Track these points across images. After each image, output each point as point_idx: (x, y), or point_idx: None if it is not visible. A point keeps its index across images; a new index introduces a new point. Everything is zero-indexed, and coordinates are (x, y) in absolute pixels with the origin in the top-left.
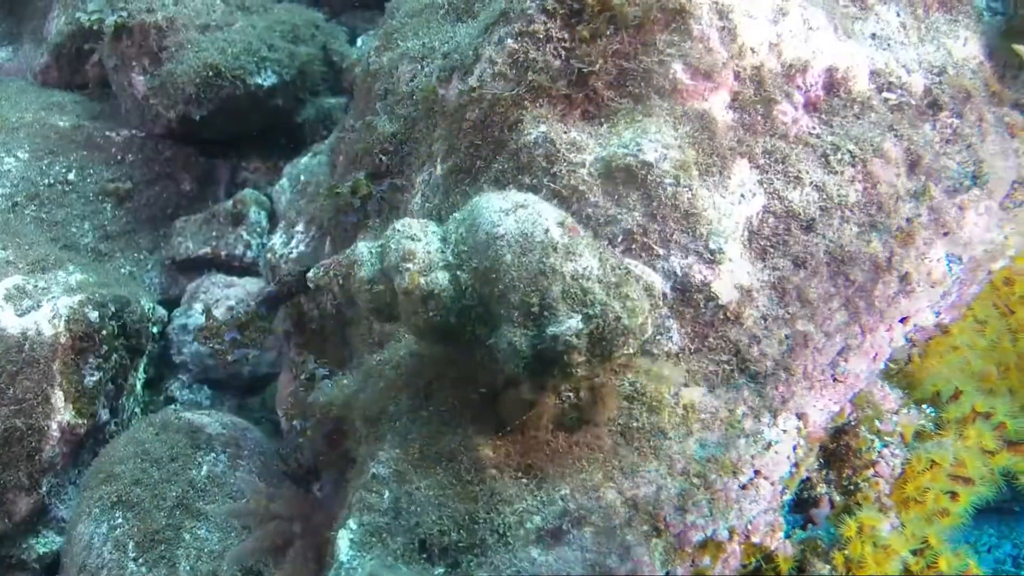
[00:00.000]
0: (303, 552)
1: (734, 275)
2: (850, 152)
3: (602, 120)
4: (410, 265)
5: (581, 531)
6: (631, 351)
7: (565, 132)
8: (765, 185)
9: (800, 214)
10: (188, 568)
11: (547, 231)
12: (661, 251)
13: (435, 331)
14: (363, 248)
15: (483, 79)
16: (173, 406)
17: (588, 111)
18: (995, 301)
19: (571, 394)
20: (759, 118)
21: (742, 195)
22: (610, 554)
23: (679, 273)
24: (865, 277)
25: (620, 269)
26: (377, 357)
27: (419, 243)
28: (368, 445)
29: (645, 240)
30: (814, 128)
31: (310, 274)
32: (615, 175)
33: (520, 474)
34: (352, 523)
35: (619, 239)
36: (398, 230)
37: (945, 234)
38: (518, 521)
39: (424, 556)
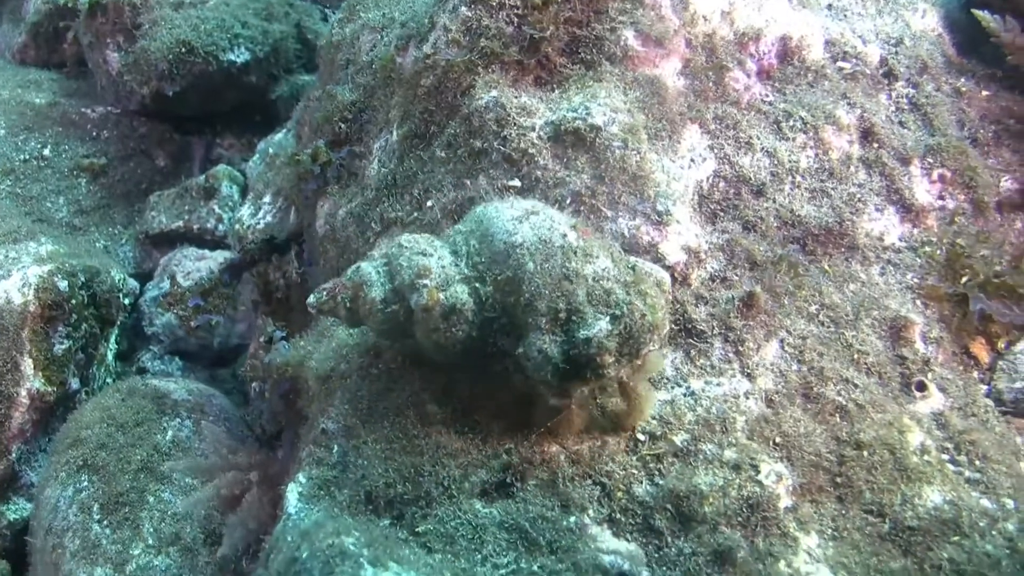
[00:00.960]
0: (259, 498)
1: (682, 237)
2: (802, 119)
3: (554, 86)
4: (427, 281)
5: (525, 484)
6: (656, 347)
7: (516, 97)
8: (716, 150)
9: (751, 179)
10: (152, 530)
11: (564, 235)
12: (609, 213)
13: (457, 346)
14: (368, 268)
15: (437, 46)
16: (143, 376)
17: (541, 77)
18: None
19: (603, 398)
20: (711, 85)
21: (692, 159)
22: (552, 507)
23: (627, 235)
24: (815, 242)
25: (632, 267)
26: (331, 318)
27: (432, 258)
28: (319, 402)
29: (593, 202)
30: (767, 95)
31: (311, 299)
32: (564, 138)
33: (466, 429)
34: (301, 477)
35: (568, 201)
36: (405, 246)
37: (897, 201)
38: (463, 475)
39: (370, 508)
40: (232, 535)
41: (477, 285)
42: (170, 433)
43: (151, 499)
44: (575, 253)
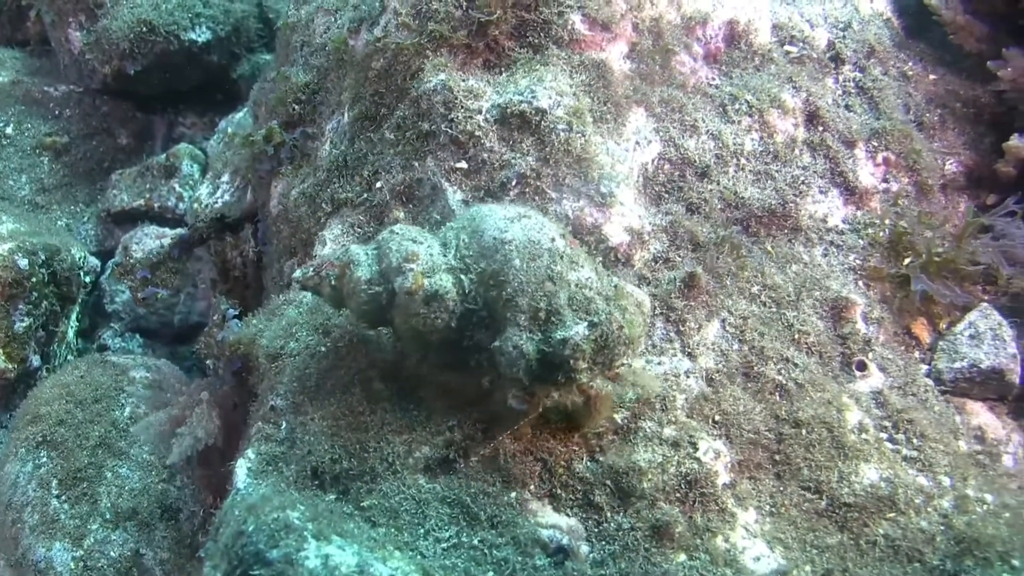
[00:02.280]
0: (208, 412)
1: (625, 218)
2: (748, 102)
3: (502, 69)
4: (414, 266)
5: (467, 461)
6: (629, 361)
7: (463, 80)
8: (661, 133)
9: (696, 161)
10: (109, 505)
11: (553, 240)
12: (554, 195)
13: (435, 335)
14: (357, 249)
15: (387, 29)
16: (103, 353)
17: (489, 60)
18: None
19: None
20: (657, 68)
21: (637, 142)
22: (494, 483)
23: (571, 216)
24: (758, 223)
25: (615, 284)
26: (282, 297)
27: (421, 246)
28: (269, 380)
29: (538, 184)
30: (713, 79)
31: (297, 274)
32: (510, 121)
33: (411, 406)
34: (250, 452)
35: (513, 183)
36: (396, 233)
37: (841, 183)
38: (407, 451)
39: (316, 483)
40: (181, 444)
41: (462, 276)
42: (128, 409)
43: (109, 475)
44: (561, 258)
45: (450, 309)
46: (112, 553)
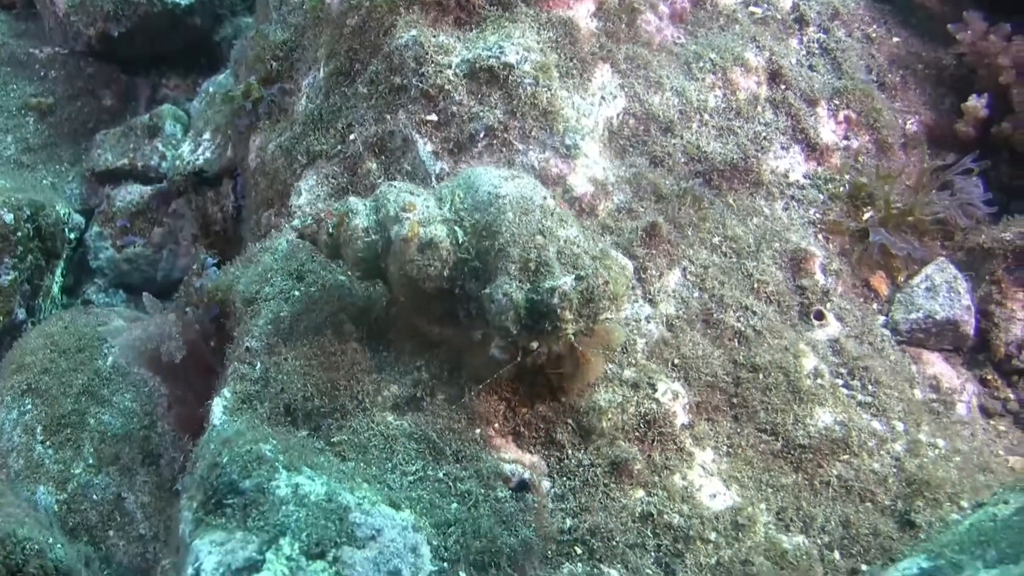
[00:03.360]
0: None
1: (589, 170)
2: (711, 61)
3: (472, 26)
4: (411, 215)
5: (434, 399)
6: (612, 317)
7: (434, 36)
8: (626, 89)
9: (659, 116)
10: (92, 450)
11: (544, 198)
12: (520, 146)
13: (428, 283)
14: (356, 201)
15: None
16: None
17: (460, 18)
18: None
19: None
20: (623, 26)
21: (603, 97)
22: (459, 420)
23: (536, 167)
24: (720, 177)
25: (600, 247)
26: (259, 245)
27: (418, 198)
28: (245, 323)
29: (506, 136)
30: (679, 38)
31: (295, 223)
32: (479, 76)
33: (380, 347)
34: (226, 391)
35: (481, 135)
36: (394, 186)
37: (803, 140)
38: (376, 389)
39: (289, 420)
40: (147, 328)
41: (456, 228)
42: (110, 359)
43: (92, 421)
44: (552, 215)
45: (443, 258)
46: (95, 497)
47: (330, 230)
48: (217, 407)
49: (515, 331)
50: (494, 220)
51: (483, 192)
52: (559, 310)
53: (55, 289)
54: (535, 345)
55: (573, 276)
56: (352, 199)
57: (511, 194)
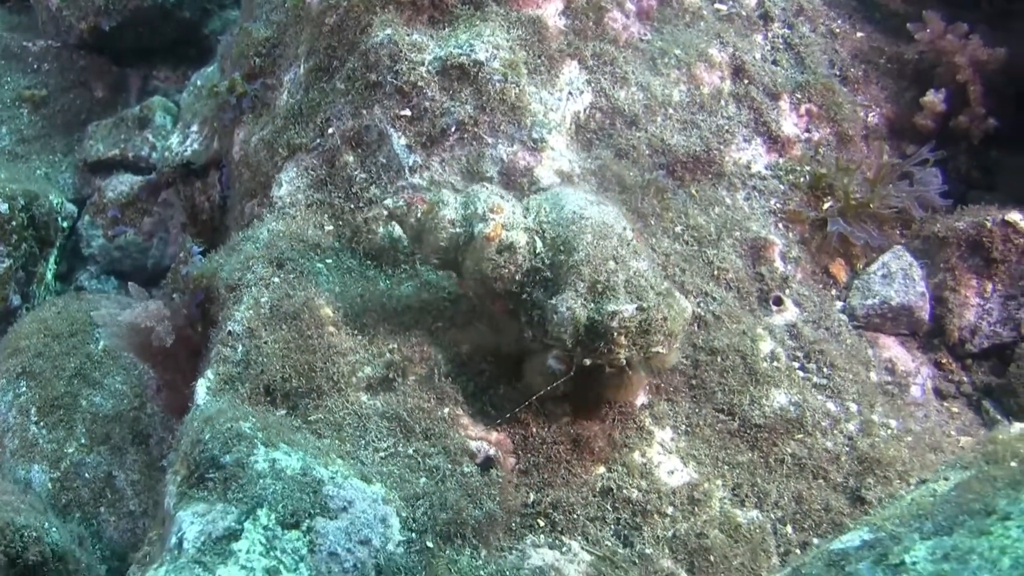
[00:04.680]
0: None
1: (556, 162)
2: (676, 56)
3: (445, 24)
4: (497, 217)
5: (405, 380)
6: (664, 352)
7: (408, 34)
8: (593, 84)
9: (625, 110)
10: (84, 431)
11: (624, 228)
12: (490, 140)
13: (499, 284)
14: (448, 194)
15: None
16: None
17: (434, 17)
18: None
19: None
20: (591, 24)
21: (570, 92)
22: (429, 399)
23: (505, 159)
24: (683, 168)
25: (665, 284)
26: (241, 234)
27: (507, 203)
28: (228, 308)
29: (476, 130)
30: (645, 34)
31: (388, 202)
32: (450, 72)
33: (355, 331)
34: (209, 373)
35: (452, 129)
36: (486, 187)
37: (765, 133)
38: (351, 371)
39: (268, 400)
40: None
41: (536, 238)
42: (102, 343)
43: (84, 402)
44: (627, 245)
45: (519, 263)
46: (87, 475)
47: (418, 215)
48: (201, 388)
49: (571, 345)
50: (573, 238)
51: (568, 210)
52: (615, 334)
53: (49, 276)
54: (587, 362)
55: (636, 306)
56: (445, 192)
57: (594, 217)
